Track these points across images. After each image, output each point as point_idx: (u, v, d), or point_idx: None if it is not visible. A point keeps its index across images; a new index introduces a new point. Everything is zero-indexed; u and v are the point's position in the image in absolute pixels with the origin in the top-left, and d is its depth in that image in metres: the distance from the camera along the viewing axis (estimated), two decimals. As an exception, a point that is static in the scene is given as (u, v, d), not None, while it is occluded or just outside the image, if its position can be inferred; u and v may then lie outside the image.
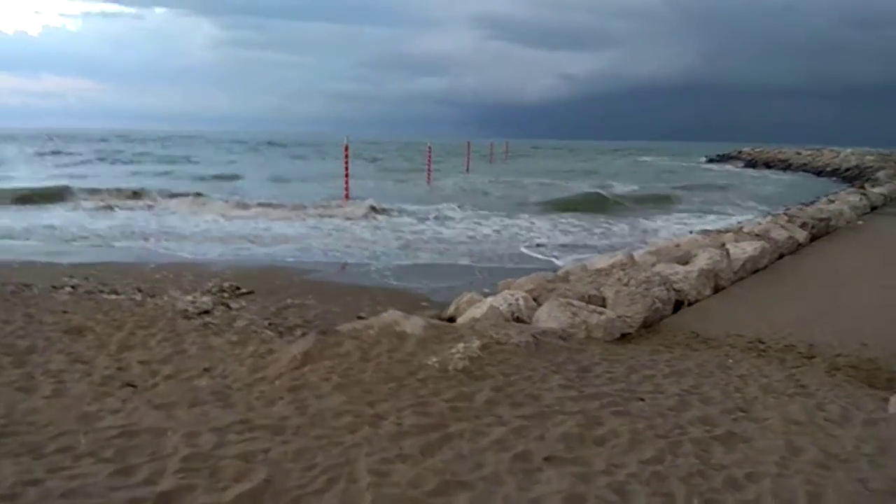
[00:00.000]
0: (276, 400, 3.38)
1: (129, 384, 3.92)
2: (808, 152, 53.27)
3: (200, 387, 3.72)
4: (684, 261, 8.13)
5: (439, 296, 8.40)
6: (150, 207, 17.31)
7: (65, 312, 6.66)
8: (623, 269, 6.89)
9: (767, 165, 51.42)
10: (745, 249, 8.36)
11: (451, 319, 6.39)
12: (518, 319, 5.45)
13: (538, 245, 12.75)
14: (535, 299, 6.03)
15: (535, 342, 4.44)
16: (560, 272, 7.53)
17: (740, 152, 65.56)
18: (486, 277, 9.82)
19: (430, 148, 31.77)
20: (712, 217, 18.16)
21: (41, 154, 44.75)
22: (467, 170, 39.13)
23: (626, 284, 6.59)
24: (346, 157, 19.87)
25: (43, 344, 5.20)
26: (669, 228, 15.58)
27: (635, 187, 27.51)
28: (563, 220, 16.51)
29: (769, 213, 15.99)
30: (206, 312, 6.97)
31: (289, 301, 7.72)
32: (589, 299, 5.90)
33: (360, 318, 6.78)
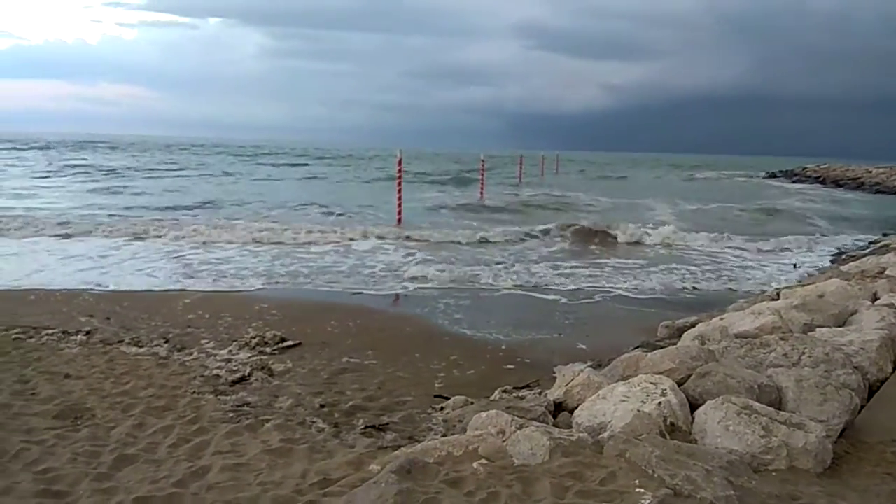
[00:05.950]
0: None
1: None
2: (881, 170, 50.22)
3: None
4: (842, 320, 6.38)
5: (526, 351, 6.84)
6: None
7: (66, 377, 5.31)
8: (783, 338, 5.19)
9: (837, 184, 48.38)
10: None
11: (559, 405, 4.81)
12: (673, 428, 3.84)
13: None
14: (679, 384, 4.40)
15: (737, 496, 2.83)
16: (689, 336, 5.85)
17: (804, 169, 62.21)
18: (573, 323, 8.22)
19: (483, 161, 30.34)
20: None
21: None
22: (520, 181, 38.45)
23: (795, 363, 4.91)
24: (400, 174, 18.25)
25: (17, 446, 3.79)
26: (771, 265, 13.62)
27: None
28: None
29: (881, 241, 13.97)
30: (243, 380, 5.54)
31: (344, 360, 6.24)
32: (760, 392, 4.24)
33: (438, 397, 5.26)
